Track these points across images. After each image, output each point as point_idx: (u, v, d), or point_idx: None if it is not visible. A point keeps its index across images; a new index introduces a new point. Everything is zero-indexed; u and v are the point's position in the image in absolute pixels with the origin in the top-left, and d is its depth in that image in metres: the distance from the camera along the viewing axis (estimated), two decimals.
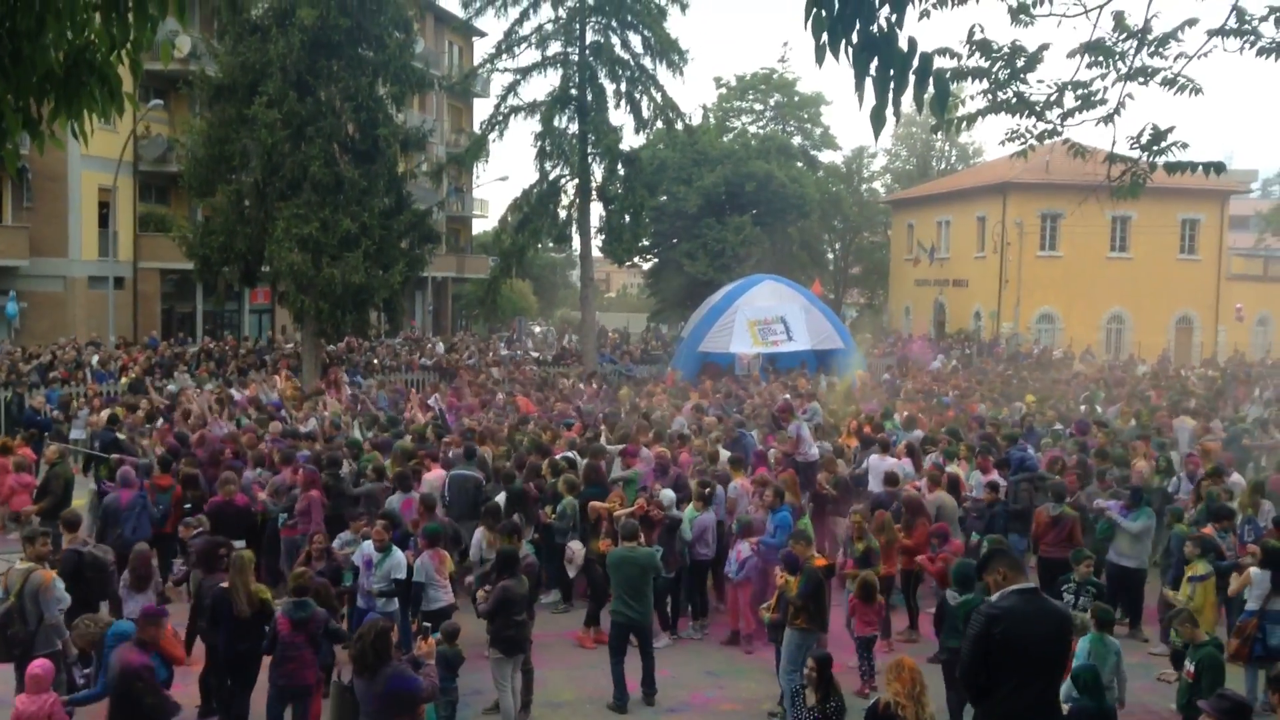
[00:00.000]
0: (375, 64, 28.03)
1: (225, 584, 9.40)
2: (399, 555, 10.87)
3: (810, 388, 24.98)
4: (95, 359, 27.16)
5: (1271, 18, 7.64)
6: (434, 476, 13.94)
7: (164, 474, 13.62)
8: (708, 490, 13.10)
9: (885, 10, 3.96)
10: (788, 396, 22.23)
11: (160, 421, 18.49)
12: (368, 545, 10.99)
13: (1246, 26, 7.69)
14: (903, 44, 3.96)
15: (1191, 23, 7.81)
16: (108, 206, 33.56)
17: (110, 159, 31.41)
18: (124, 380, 25.23)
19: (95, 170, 33.26)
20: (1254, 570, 10.71)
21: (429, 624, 10.10)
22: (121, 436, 16.58)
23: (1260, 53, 7.79)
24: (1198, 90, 7.93)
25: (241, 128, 26.77)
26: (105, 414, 18.77)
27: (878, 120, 4.01)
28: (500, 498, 13.11)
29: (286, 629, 8.87)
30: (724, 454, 15.30)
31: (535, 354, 38.48)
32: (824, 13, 3.92)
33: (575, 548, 13.09)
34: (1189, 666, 8.78)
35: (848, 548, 12.32)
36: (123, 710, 7.89)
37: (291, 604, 8.98)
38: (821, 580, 10.40)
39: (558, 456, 14.85)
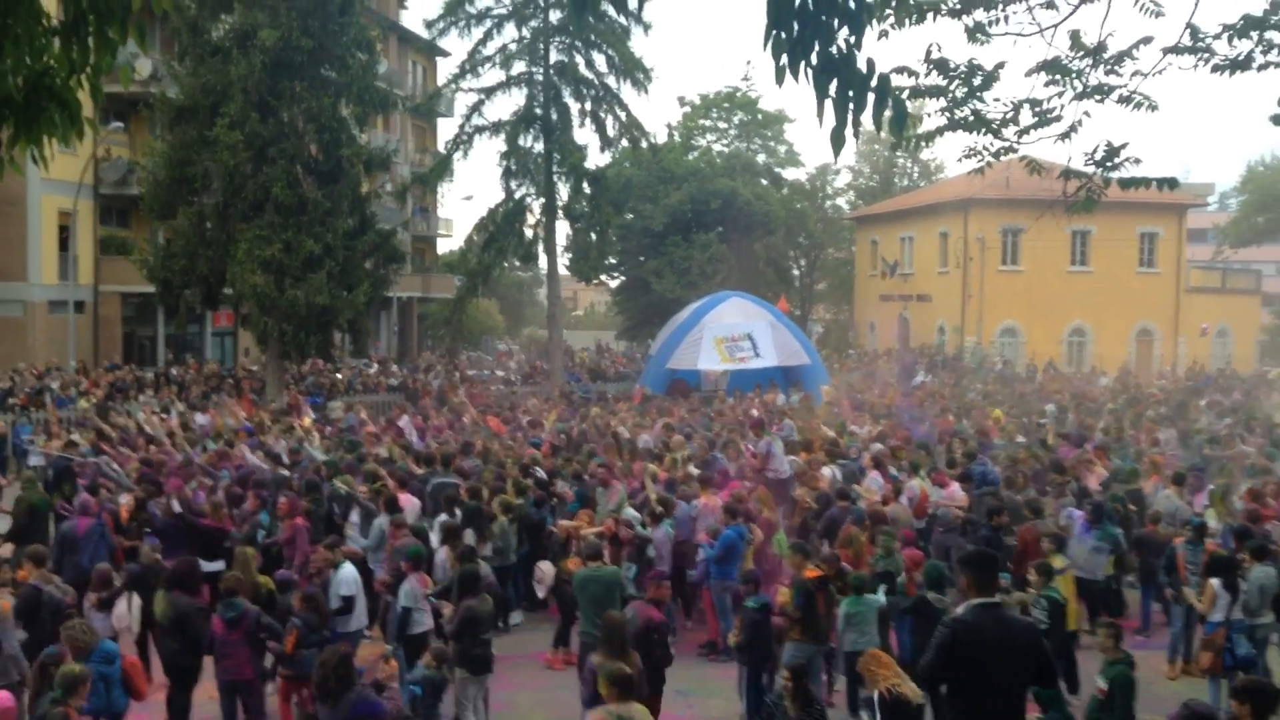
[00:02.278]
0: (338, 85, 27.99)
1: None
2: (344, 572, 10.75)
3: (783, 404, 25.05)
4: (56, 384, 26.82)
5: (1224, 35, 7.78)
6: (404, 499, 13.79)
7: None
8: (660, 510, 13.12)
9: (844, 32, 4.00)
10: (756, 413, 22.31)
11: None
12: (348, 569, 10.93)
13: (1200, 44, 7.82)
14: (861, 65, 4.01)
15: (1146, 41, 7.93)
16: (68, 230, 33.18)
17: (70, 182, 31.11)
18: (83, 404, 24.93)
19: (55, 193, 32.89)
20: (1213, 581, 10.81)
21: (390, 647, 10.06)
22: (75, 459, 16.45)
23: (1214, 69, 7.92)
24: (1153, 107, 8.05)
25: (203, 149, 26.63)
26: (63, 440, 18.57)
27: (837, 141, 4.04)
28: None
29: (221, 629, 9.48)
30: (693, 471, 15.35)
31: (500, 373, 38.38)
32: (784, 35, 3.95)
33: (545, 568, 13.03)
34: (1101, 684, 8.69)
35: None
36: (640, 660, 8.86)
37: (222, 605, 9.57)
38: (814, 592, 10.45)
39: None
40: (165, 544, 12.00)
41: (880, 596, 10.78)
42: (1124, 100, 8.05)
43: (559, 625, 12.84)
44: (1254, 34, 7.66)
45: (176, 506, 13.28)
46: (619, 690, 7.32)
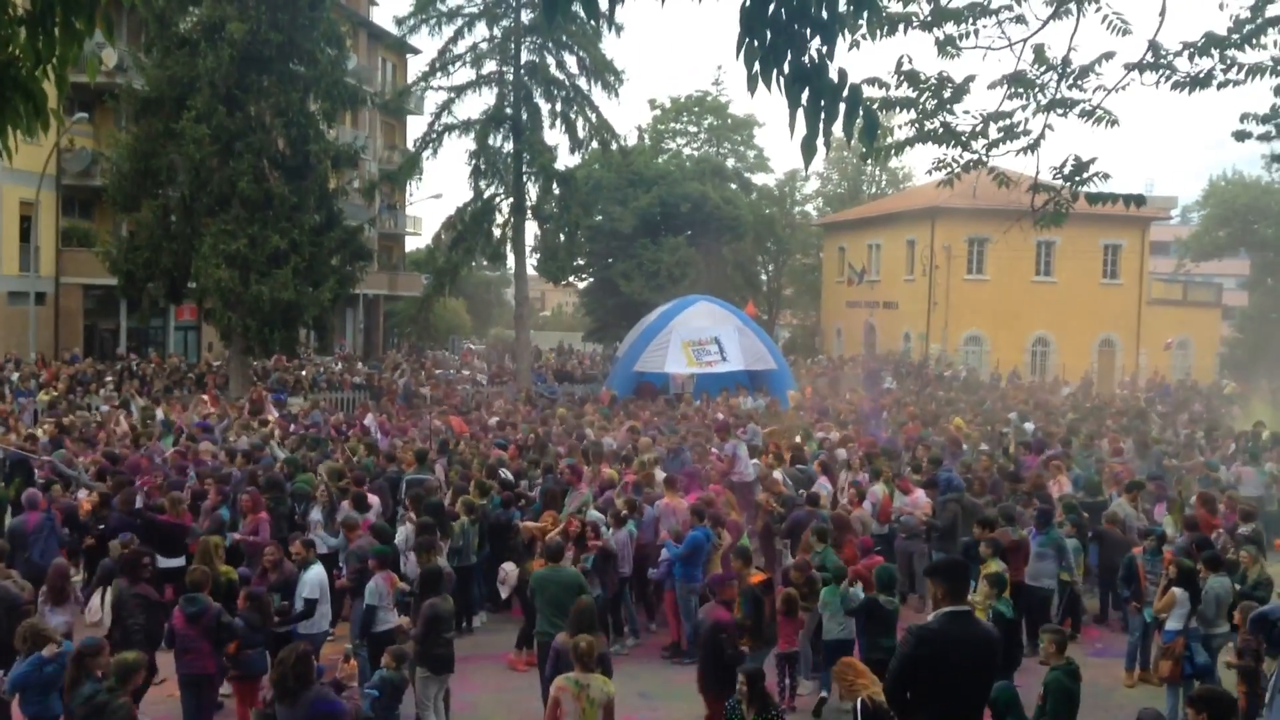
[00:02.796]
0: (307, 79, 27.79)
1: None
2: (310, 574, 10.63)
3: (749, 407, 25.15)
4: (15, 376, 26.46)
5: (1186, 53, 7.88)
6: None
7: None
8: (624, 512, 13.14)
9: (816, 42, 4.02)
10: (721, 415, 22.37)
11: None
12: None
13: (1163, 61, 7.92)
14: (833, 75, 4.03)
15: (1108, 56, 8.02)
16: (29, 221, 32.75)
17: (33, 172, 30.67)
18: (42, 397, 24.61)
19: (17, 183, 32.44)
20: (1177, 590, 10.91)
21: (350, 646, 10.00)
22: (35, 454, 16.28)
23: (1175, 86, 8.03)
24: (1114, 122, 8.15)
25: (168, 142, 26.37)
26: (22, 433, 18.37)
27: (809, 150, 4.06)
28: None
29: (181, 623, 9.39)
30: (659, 474, 15.37)
31: (467, 372, 38.22)
32: (756, 43, 3.97)
33: (508, 569, 13.01)
34: (1040, 689, 8.77)
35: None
36: (710, 660, 9.53)
37: (184, 599, 9.48)
38: (760, 597, 10.55)
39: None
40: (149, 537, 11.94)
41: (859, 591, 10.91)
42: (1086, 114, 8.15)
43: (523, 626, 12.80)
44: (1215, 52, 7.77)
45: (139, 503, 13.19)
46: (581, 661, 8.09)
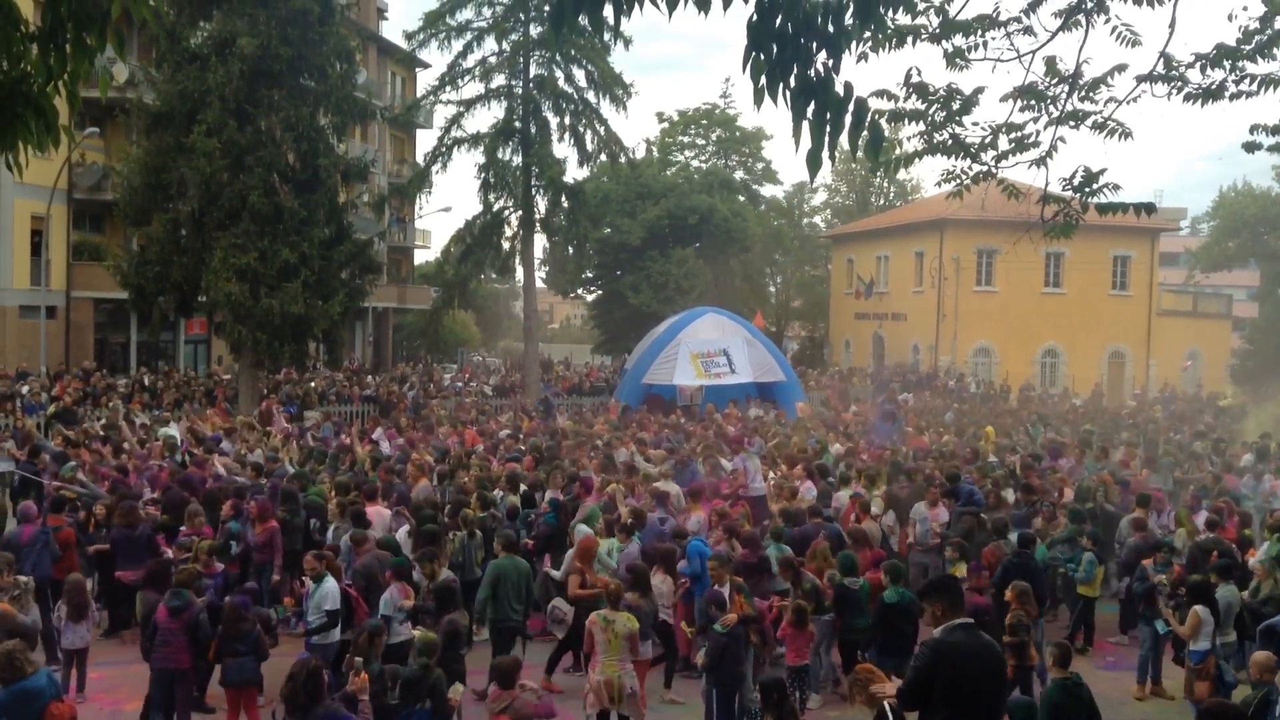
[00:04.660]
0: (317, 94, 27.90)
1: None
2: (329, 585, 10.60)
3: (755, 416, 25.12)
4: (25, 390, 26.53)
5: (1198, 64, 7.86)
6: (373, 511, 13.68)
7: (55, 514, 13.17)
8: (630, 523, 13.06)
9: (822, 55, 4.03)
10: (733, 429, 22.34)
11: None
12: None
13: (1174, 73, 7.90)
14: (839, 89, 4.03)
15: (1121, 68, 8.00)
16: (41, 235, 32.88)
17: (44, 186, 30.82)
18: (52, 410, 24.66)
19: (28, 198, 32.58)
20: (1200, 609, 10.71)
21: (360, 659, 9.97)
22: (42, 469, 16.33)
23: (1187, 98, 8.00)
24: (1127, 134, 8.12)
25: (179, 156, 26.47)
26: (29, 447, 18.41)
27: (814, 163, 4.06)
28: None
29: (164, 616, 9.77)
30: (673, 487, 15.30)
31: (473, 384, 38.24)
32: (763, 56, 3.98)
33: (565, 608, 11.98)
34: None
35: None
36: (891, 643, 10.44)
37: (170, 594, 9.90)
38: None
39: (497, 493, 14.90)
40: (134, 555, 11.96)
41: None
42: (1098, 127, 8.12)
43: (553, 651, 12.21)
44: (1226, 63, 7.74)
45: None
46: (610, 601, 9.79)
